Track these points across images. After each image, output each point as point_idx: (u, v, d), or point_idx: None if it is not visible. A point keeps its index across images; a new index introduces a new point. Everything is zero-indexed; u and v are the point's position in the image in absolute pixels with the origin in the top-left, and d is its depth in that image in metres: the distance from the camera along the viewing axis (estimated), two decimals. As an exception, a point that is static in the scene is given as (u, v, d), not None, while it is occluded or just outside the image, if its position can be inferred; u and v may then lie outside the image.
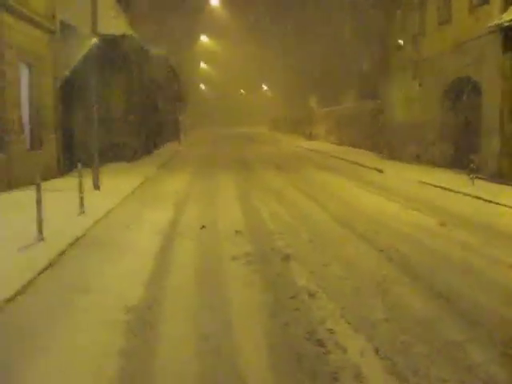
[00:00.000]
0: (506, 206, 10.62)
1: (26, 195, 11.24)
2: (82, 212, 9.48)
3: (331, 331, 4.42)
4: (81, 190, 9.59)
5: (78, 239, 7.75)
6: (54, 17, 15.26)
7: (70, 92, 16.67)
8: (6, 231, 7.92)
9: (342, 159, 22.90)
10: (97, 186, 12.45)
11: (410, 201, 11.56)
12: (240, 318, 4.77)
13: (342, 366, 3.82)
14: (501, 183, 13.30)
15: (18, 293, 5.36)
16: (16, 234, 7.67)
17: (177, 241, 7.90)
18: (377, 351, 4.06)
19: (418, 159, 19.17)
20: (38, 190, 7.45)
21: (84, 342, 4.28)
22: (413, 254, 6.98)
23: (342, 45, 38.49)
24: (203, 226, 8.75)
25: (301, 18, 48.59)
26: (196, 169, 19.24)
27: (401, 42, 21.11)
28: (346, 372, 3.74)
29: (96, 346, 4.19)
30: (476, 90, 15.23)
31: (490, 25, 13.70)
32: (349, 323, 4.60)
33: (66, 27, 16.19)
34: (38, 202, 7.40)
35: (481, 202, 11.40)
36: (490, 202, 11.21)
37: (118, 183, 13.97)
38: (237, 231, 8.34)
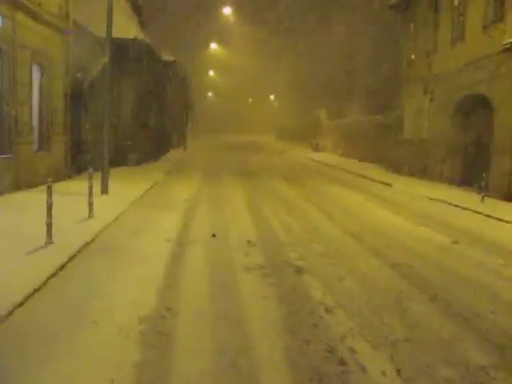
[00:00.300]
0: (517, 225, 10.51)
1: (34, 196, 11.20)
2: (91, 216, 9.40)
3: (351, 349, 4.30)
4: (90, 194, 9.52)
5: (87, 244, 7.65)
6: (67, 16, 15.15)
7: (79, 95, 16.62)
8: (13, 234, 7.81)
9: (351, 172, 22.77)
10: (105, 190, 12.35)
11: (419, 216, 11.46)
12: (257, 332, 4.64)
13: (364, 387, 3.70)
14: (511, 201, 13.20)
15: (28, 298, 5.25)
16: (24, 236, 7.56)
17: (188, 248, 7.79)
18: (399, 372, 3.95)
19: (426, 175, 19.06)
20: (49, 193, 7.34)
21: (97, 352, 4.16)
22: (427, 271, 6.88)
23: (351, 60, 38.62)
24: (214, 235, 8.64)
25: (312, 34, 48.75)
26: (203, 177, 19.05)
27: (413, 57, 21.10)
28: (370, 393, 3.62)
29: (110, 355, 4.07)
30: (488, 107, 15.16)
31: (504, 42, 13.69)
32: (368, 341, 4.48)
33: (78, 27, 16.15)
34: (49, 206, 7.27)
35: (492, 220, 11.29)
36: (501, 220, 11.11)
37: (125, 188, 13.89)
38: (248, 241, 8.24)
